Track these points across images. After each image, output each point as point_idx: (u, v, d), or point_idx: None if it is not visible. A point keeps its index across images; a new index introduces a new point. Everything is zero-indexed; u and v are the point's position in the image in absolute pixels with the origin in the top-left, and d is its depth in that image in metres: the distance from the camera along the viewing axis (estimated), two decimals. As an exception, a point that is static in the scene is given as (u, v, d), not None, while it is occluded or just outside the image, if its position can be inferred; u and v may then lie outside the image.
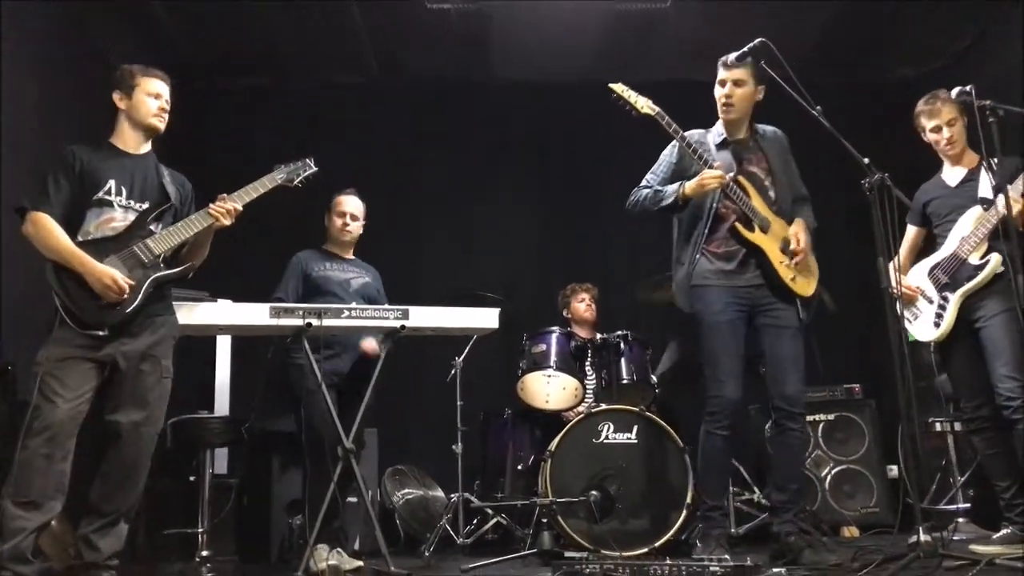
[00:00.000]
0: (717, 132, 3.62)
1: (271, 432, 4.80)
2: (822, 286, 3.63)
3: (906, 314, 3.77)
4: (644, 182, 3.67)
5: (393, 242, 5.47)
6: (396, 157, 6.16)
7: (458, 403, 4.60)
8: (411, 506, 5.14)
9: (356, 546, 4.49)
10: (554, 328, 4.53)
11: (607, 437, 4.04)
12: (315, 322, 3.68)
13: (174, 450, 4.41)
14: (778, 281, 3.43)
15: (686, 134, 3.47)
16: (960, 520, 4.48)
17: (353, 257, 4.35)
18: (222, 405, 4.69)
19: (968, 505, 4.55)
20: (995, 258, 3.55)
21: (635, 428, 4.06)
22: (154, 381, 3.20)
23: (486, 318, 3.96)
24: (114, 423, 3.10)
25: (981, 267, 3.60)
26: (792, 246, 3.46)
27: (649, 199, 3.56)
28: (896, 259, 3.95)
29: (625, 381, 4.30)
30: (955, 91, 3.50)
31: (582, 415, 4.09)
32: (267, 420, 4.90)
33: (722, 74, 3.55)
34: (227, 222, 3.33)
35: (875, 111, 5.99)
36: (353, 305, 3.85)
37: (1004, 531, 3.66)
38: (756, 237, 3.42)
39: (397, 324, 3.80)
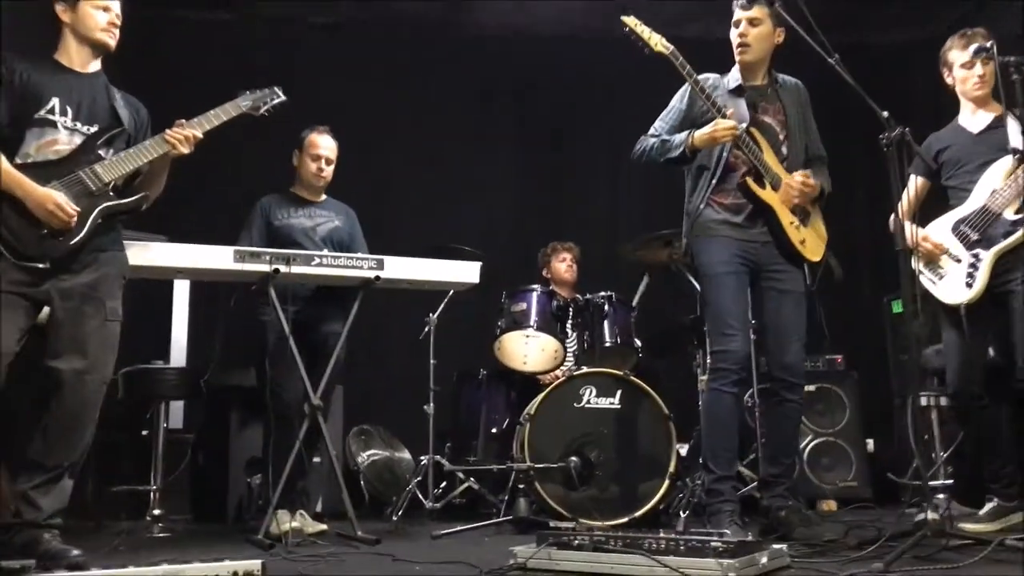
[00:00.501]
0: (733, 77, 3.38)
1: (230, 386, 4.53)
2: (830, 252, 3.42)
3: (928, 274, 3.55)
4: (652, 130, 3.42)
5: (363, 189, 5.18)
6: (368, 101, 5.80)
7: (431, 362, 4.37)
8: (376, 468, 4.93)
9: (318, 508, 4.27)
10: (535, 287, 4.31)
11: (588, 401, 3.85)
12: (283, 268, 3.43)
13: (125, 402, 4.13)
14: (786, 243, 3.23)
15: (700, 77, 3.25)
16: (940, 496, 4.39)
17: (324, 198, 4.07)
18: (178, 356, 4.40)
19: (950, 482, 4.45)
20: None
21: (618, 393, 3.87)
22: (97, 324, 2.88)
23: (466, 272, 3.74)
24: (54, 371, 2.79)
25: (1020, 223, 3.34)
26: (799, 180, 3.25)
27: (656, 149, 3.32)
28: (900, 211, 3.77)
29: (608, 344, 4.10)
30: (973, 47, 3.31)
31: (562, 378, 3.89)
32: (226, 373, 4.63)
33: (737, 14, 3.31)
34: (185, 150, 3.02)
35: (866, 74, 5.80)
36: (325, 252, 3.59)
37: (989, 505, 3.54)
38: (767, 194, 3.21)
39: (371, 275, 3.56)
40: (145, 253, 3.28)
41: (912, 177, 3.75)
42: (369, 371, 5.16)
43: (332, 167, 3.99)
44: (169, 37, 5.56)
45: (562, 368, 4.34)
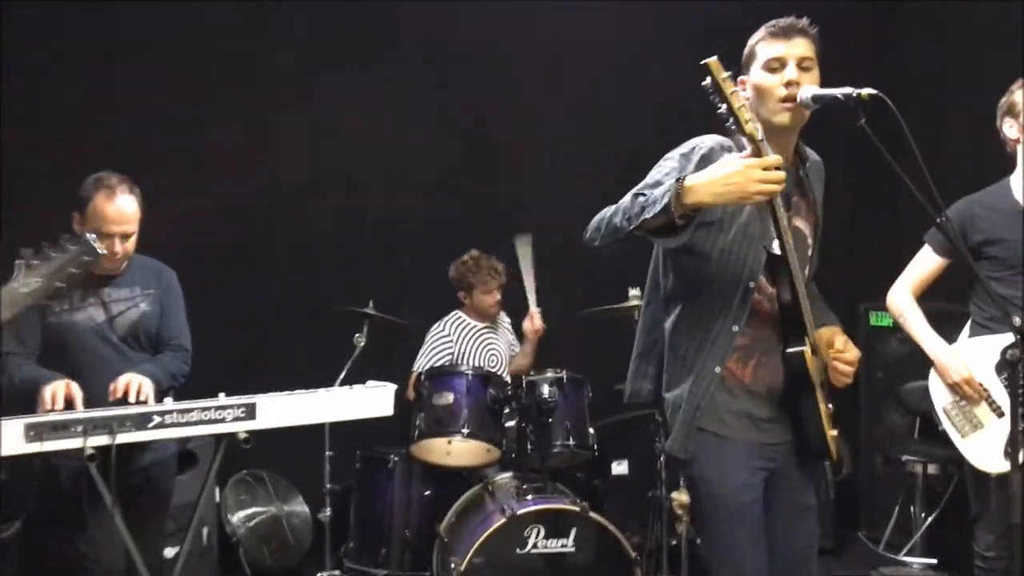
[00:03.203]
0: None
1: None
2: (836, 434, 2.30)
3: (953, 416, 2.77)
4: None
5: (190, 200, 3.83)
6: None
7: (327, 454, 3.39)
8: (259, 533, 4.01)
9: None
10: (462, 368, 3.31)
11: (535, 546, 3.00)
12: (105, 441, 2.33)
13: None
14: (819, 440, 2.19)
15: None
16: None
17: (125, 265, 2.80)
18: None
19: (934, 561, 3.91)
20: None
21: (572, 532, 3.03)
22: None
23: (377, 402, 2.70)
24: None
25: None
26: (845, 359, 2.23)
27: (622, 212, 2.02)
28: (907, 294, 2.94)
29: (557, 449, 3.21)
30: None
31: (504, 521, 2.99)
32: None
33: (777, 47, 2.09)
34: None
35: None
36: (169, 407, 2.45)
37: None
38: (815, 368, 2.16)
39: (237, 429, 2.49)
40: None
41: (928, 253, 2.86)
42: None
43: (134, 238, 2.73)
44: None
45: (495, 466, 3.43)
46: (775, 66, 2.09)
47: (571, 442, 3.23)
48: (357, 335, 3.45)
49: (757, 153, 1.92)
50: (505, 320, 4.12)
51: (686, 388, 2.17)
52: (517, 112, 4.53)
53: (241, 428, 2.49)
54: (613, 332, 3.80)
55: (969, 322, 2.82)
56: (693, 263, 2.17)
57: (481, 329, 3.95)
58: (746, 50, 2.17)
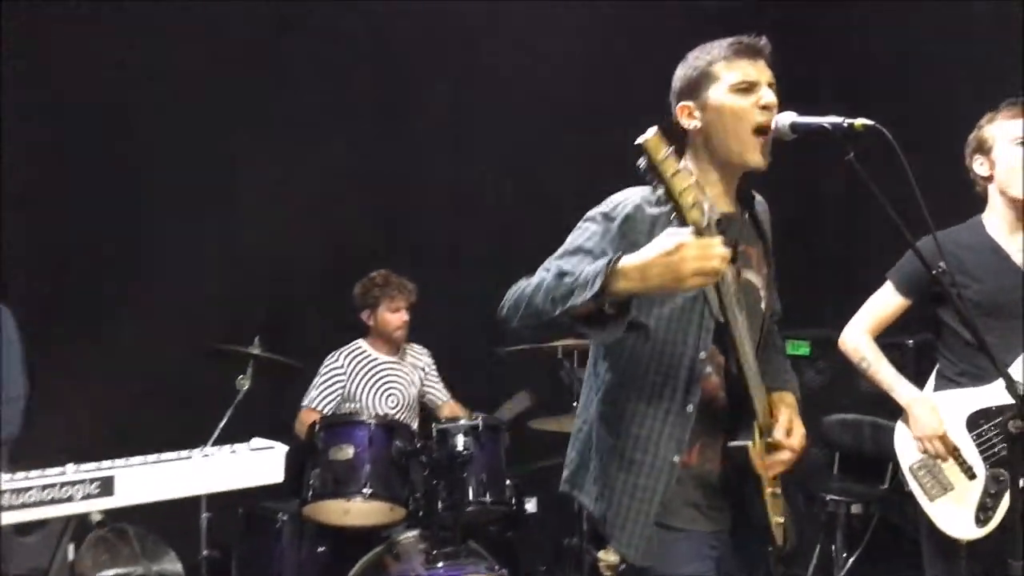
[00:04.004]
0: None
1: None
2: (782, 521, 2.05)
3: (921, 476, 2.53)
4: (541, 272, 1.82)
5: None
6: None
7: (203, 515, 2.93)
8: (123, 599, 3.51)
9: None
10: (363, 418, 2.91)
11: (447, 616, 2.66)
12: (-95, 532, 1.85)
13: None
14: (757, 524, 1.92)
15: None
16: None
17: None
18: None
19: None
20: None
21: (489, 601, 2.69)
22: None
23: (264, 468, 2.25)
24: None
25: None
26: (781, 441, 1.93)
27: (547, 289, 1.69)
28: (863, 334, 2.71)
29: (472, 507, 2.86)
30: None
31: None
32: None
33: (747, 69, 1.82)
34: None
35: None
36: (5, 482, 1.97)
37: None
38: (759, 457, 1.87)
39: (90, 509, 2.02)
40: None
41: (890, 291, 2.63)
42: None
43: None
44: None
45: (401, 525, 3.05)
46: (744, 87, 1.81)
47: (487, 498, 2.88)
48: (240, 377, 3.02)
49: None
50: (418, 351, 3.75)
51: (636, 484, 1.87)
52: (425, 126, 4.14)
53: (95, 507, 2.03)
54: (533, 370, 3.50)
55: (934, 374, 2.61)
56: (628, 339, 1.86)
57: (382, 364, 3.57)
58: (692, 72, 1.87)
